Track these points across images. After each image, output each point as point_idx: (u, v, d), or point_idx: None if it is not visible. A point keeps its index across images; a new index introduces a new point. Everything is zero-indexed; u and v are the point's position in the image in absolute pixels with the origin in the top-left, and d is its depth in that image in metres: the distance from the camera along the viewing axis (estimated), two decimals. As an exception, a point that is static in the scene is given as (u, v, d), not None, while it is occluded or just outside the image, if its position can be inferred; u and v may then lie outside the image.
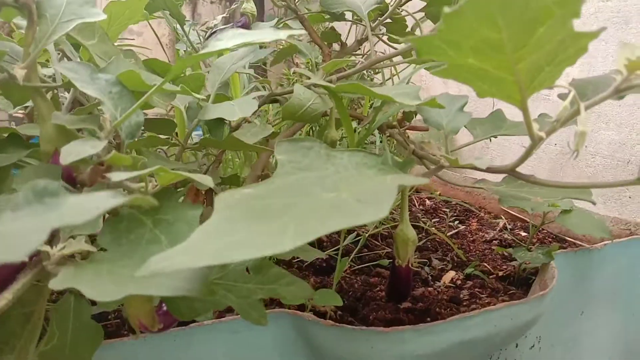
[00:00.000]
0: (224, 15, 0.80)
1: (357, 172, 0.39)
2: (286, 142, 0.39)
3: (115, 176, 0.29)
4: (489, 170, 0.44)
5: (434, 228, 0.97)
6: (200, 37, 0.79)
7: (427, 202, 1.15)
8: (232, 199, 0.31)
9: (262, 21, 0.81)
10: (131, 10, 0.44)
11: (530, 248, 0.88)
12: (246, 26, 0.80)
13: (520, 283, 0.76)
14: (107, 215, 0.33)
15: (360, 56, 0.85)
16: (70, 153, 0.30)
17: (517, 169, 0.44)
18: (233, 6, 0.80)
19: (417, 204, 1.13)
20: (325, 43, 0.71)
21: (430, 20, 0.78)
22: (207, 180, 0.32)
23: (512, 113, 0.48)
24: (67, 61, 0.36)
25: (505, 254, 0.85)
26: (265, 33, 0.34)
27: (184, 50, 0.84)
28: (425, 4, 0.75)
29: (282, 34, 0.35)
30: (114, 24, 0.44)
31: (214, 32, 0.79)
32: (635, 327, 0.80)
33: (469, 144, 0.58)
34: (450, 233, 0.97)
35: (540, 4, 0.23)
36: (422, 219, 1.01)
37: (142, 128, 0.45)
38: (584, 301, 0.74)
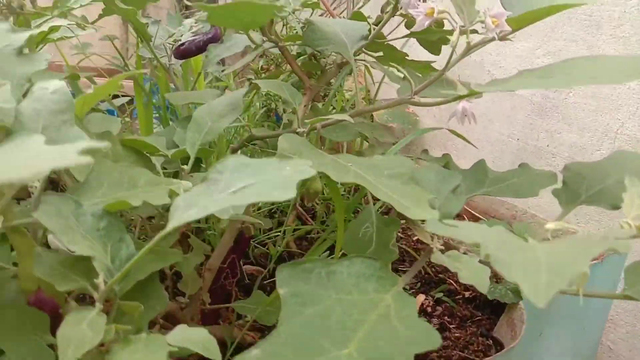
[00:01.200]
0: (194, 24, 0.74)
1: (358, 291, 0.39)
2: (287, 268, 0.37)
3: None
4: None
5: (400, 234, 0.99)
6: (167, 50, 0.73)
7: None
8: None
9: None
10: (100, 95, 0.40)
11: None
12: (216, 38, 0.74)
13: (485, 305, 0.79)
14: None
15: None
16: (69, 346, 0.27)
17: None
18: (201, 14, 0.74)
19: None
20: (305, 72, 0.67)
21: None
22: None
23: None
24: (47, 196, 0.32)
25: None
26: (274, 178, 0.32)
27: (149, 58, 0.78)
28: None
29: (293, 177, 0.32)
30: (85, 107, 0.40)
31: (182, 44, 0.73)
32: (585, 341, 0.86)
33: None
34: (416, 238, 0.99)
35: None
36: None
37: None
38: (543, 324, 0.78)
